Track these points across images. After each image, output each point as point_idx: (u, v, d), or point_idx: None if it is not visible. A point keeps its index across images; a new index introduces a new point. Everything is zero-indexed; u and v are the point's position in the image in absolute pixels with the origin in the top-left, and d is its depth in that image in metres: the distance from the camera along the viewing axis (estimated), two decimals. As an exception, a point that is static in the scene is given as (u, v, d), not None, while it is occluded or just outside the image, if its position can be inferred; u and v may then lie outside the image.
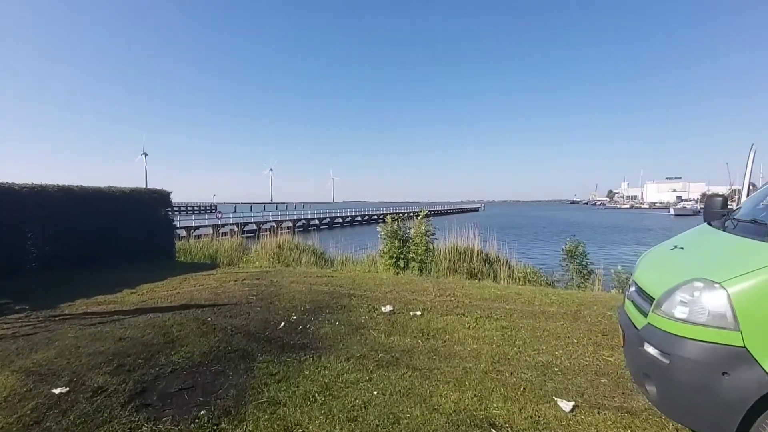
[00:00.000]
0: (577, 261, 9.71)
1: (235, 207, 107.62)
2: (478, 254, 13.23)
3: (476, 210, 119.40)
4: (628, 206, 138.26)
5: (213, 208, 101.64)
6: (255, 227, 33.39)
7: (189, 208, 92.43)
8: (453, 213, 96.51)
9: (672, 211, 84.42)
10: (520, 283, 8.73)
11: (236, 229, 32.01)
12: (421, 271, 8.89)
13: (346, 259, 12.94)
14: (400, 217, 9.79)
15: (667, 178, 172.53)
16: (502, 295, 6.55)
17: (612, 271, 9.28)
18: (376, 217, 59.73)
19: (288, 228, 38.23)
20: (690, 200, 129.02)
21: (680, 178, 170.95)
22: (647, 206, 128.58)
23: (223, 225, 32.21)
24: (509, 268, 12.30)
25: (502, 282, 8.42)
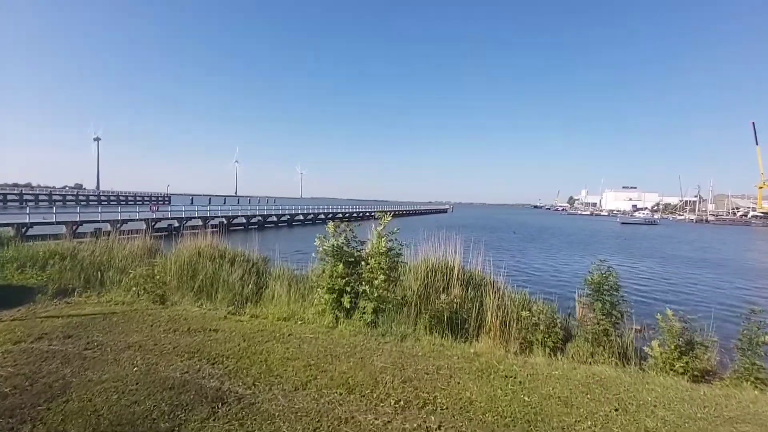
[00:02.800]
0: (606, 298, 6.61)
1: (192, 199, 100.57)
2: (459, 275, 9.96)
3: (445, 211, 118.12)
4: (588, 213, 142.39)
5: (165, 199, 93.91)
6: (178, 224, 28.68)
7: (129, 199, 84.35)
8: (422, 214, 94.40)
9: (618, 220, 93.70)
10: (535, 346, 5.51)
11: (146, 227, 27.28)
12: (377, 316, 5.40)
13: (277, 276, 9.37)
14: (349, 224, 6.27)
15: (623, 187, 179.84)
16: (535, 408, 3.20)
17: (657, 316, 6.21)
18: (341, 215, 55.89)
19: (214, 227, 33.88)
20: (644, 209, 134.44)
21: (636, 187, 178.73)
22: (606, 213, 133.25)
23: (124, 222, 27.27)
24: (501, 297, 9.13)
25: (510, 349, 5.14)
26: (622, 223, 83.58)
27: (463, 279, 9.94)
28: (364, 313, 5.41)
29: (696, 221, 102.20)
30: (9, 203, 59.49)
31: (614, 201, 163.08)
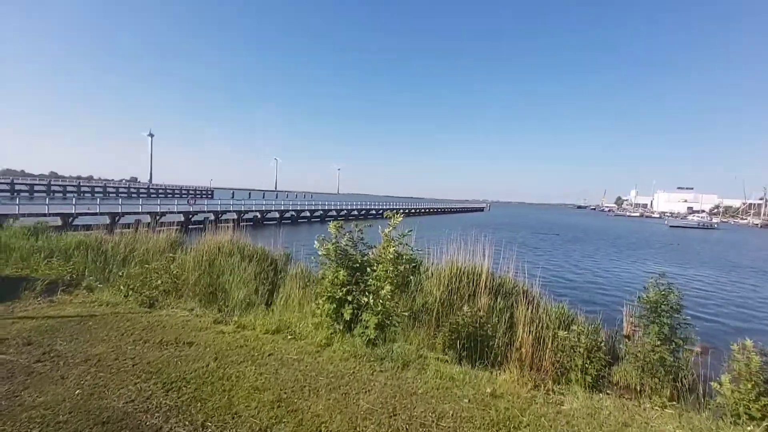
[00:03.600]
0: (665, 320, 5.44)
1: (233, 193, 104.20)
2: (486, 281, 9.01)
3: (481, 210, 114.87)
4: (637, 214, 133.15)
5: (208, 193, 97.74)
6: (214, 217, 29.11)
7: (176, 192, 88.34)
8: (457, 212, 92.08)
9: (667, 222, 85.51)
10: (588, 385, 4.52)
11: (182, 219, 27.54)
12: (381, 332, 4.57)
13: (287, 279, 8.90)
14: (358, 223, 5.48)
15: (678, 188, 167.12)
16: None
17: (732, 346, 4.98)
18: (374, 211, 55.45)
19: (248, 221, 34.10)
20: (701, 212, 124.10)
21: (692, 188, 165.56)
22: (658, 215, 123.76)
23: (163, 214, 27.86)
24: (535, 309, 8.14)
25: (542, 384, 4.19)
26: (671, 226, 76.12)
27: (492, 286, 8.98)
28: (366, 328, 4.63)
29: (761, 226, 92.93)
30: (67, 194, 64.00)
31: (667, 203, 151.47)
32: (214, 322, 4.63)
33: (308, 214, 44.21)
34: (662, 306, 5.41)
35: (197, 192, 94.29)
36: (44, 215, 22.13)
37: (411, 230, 5.18)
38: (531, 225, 59.71)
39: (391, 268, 4.85)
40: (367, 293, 4.83)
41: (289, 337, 4.31)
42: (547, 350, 7.57)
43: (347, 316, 4.79)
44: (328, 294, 4.97)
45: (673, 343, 5.35)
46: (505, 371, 5.18)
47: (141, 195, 76.91)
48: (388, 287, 4.77)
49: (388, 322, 4.72)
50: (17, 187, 61.50)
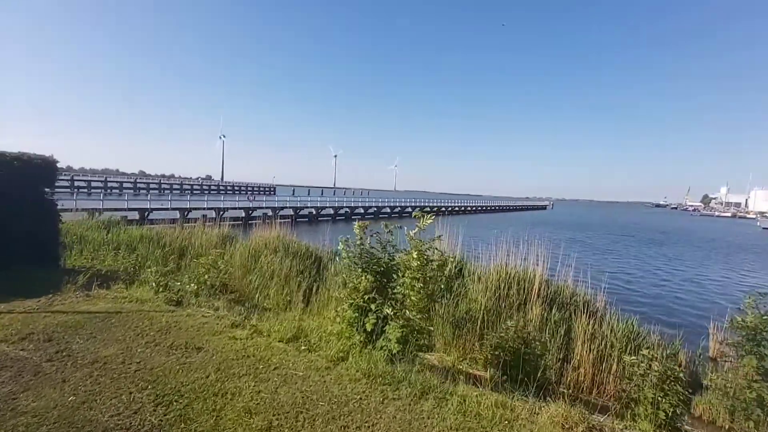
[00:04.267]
0: (766, 352, 4.30)
1: (294, 190, 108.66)
2: (540, 289, 8.10)
3: (543, 208, 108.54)
4: (729, 214, 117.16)
5: (271, 189, 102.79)
6: (272, 213, 30.06)
7: (243, 189, 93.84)
8: (515, 210, 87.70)
9: (759, 223, 72.22)
10: None
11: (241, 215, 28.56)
12: (404, 345, 4.01)
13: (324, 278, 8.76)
14: (387, 223, 4.95)
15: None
16: None
17: None
18: (428, 209, 54.55)
19: (303, 217, 34.77)
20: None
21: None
22: (753, 216, 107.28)
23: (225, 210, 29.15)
24: (599, 323, 7.20)
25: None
26: (764, 228, 64.69)
27: (547, 294, 8.05)
28: (389, 341, 4.12)
29: None
30: (150, 191, 70.79)
31: (765, 201, 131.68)
32: (232, 326, 4.41)
33: (362, 210, 44.50)
34: (764, 333, 4.28)
35: (261, 189, 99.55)
36: (124, 210, 24.40)
37: (441, 235, 4.57)
38: (599, 225, 55.17)
39: (418, 276, 4.29)
40: (391, 302, 4.32)
41: (303, 347, 3.94)
42: (611, 374, 6.56)
43: (369, 327, 4.33)
44: (351, 300, 4.54)
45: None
46: (553, 400, 4.40)
47: (212, 191, 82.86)
48: (413, 297, 4.22)
49: (413, 337, 4.17)
50: (109, 184, 69.20)
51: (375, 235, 5.09)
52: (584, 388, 6.64)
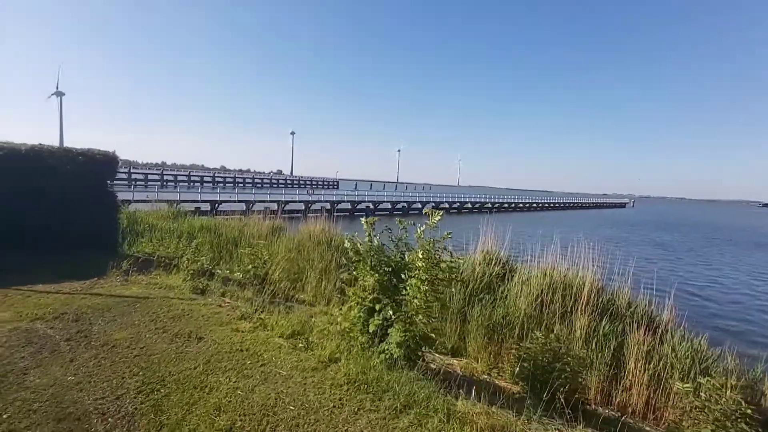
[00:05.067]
0: None
1: (356, 185, 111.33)
2: (589, 297, 7.32)
3: (623, 206, 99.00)
4: None
5: (334, 184, 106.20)
6: (330, 207, 30.76)
7: (307, 183, 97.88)
8: (590, 208, 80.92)
9: None
10: None
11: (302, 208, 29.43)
12: (403, 353, 3.70)
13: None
14: (402, 219, 4.65)
15: None
16: None
17: None
18: (489, 204, 52.53)
19: (360, 212, 35.06)
20: None
21: None
22: None
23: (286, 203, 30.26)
24: (660, 339, 6.40)
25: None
26: None
27: (598, 303, 7.22)
28: (390, 344, 3.87)
29: None
30: (227, 184, 76.92)
31: None
32: (241, 318, 4.46)
33: (420, 205, 44.09)
34: None
35: (325, 183, 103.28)
36: (198, 201, 26.69)
37: (450, 232, 4.17)
38: (686, 225, 49.09)
39: (424, 277, 3.96)
40: (396, 304, 4.05)
41: (301, 345, 3.84)
42: (670, 398, 5.71)
43: (372, 328, 4.11)
44: (358, 300, 4.36)
45: None
46: (589, 424, 3.88)
47: (280, 185, 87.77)
48: (417, 300, 3.91)
49: (415, 343, 3.86)
50: (193, 178, 76.33)
51: (386, 230, 4.85)
52: (637, 412, 5.83)
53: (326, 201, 34.53)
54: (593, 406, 5.84)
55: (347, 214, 35.63)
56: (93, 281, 5.52)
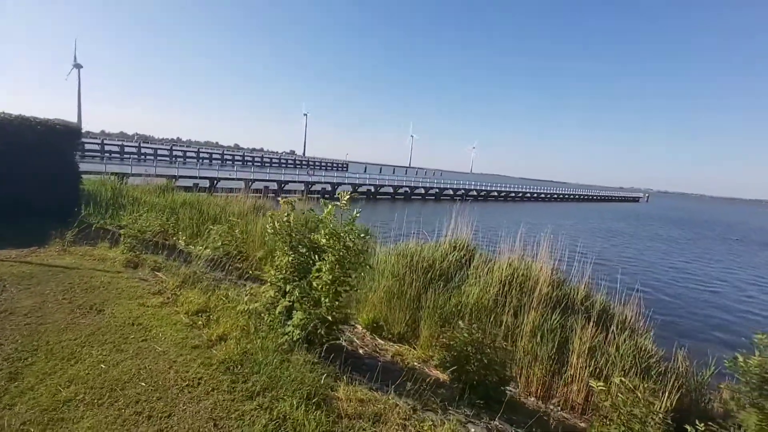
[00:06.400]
0: None
1: (365, 168, 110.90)
2: (544, 291, 7.27)
3: (636, 200, 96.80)
4: None
5: (343, 166, 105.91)
6: (331, 188, 30.65)
7: (317, 164, 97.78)
8: (600, 200, 79.29)
9: None
10: None
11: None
12: (309, 334, 3.60)
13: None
14: (327, 201, 4.49)
15: None
16: None
17: None
18: (495, 193, 51.86)
19: (362, 194, 34.78)
20: None
21: None
22: None
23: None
24: (618, 336, 6.34)
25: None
26: None
27: (552, 297, 7.08)
28: (294, 326, 3.79)
29: None
30: (235, 162, 77.31)
31: None
32: (156, 293, 4.43)
33: (422, 191, 43.76)
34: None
35: (334, 165, 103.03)
36: (196, 178, 26.87)
37: (359, 211, 4.03)
38: (691, 221, 47.86)
39: (331, 258, 3.84)
40: (309, 285, 3.94)
41: (200, 322, 3.79)
42: (610, 395, 5.56)
43: (279, 309, 4.04)
44: (275, 282, 4.28)
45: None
46: (506, 420, 3.81)
47: (288, 165, 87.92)
48: (320, 281, 3.79)
49: (320, 327, 3.77)
50: (202, 155, 76.91)
51: (309, 211, 4.74)
52: (577, 407, 5.75)
53: (327, 182, 34.46)
54: (535, 399, 5.75)
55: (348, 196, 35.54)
56: (31, 250, 5.55)
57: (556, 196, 68.43)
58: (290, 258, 4.22)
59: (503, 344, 5.02)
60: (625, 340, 5.86)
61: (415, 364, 5.54)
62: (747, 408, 3.20)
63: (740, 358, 3.17)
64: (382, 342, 6.17)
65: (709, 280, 16.53)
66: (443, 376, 5.02)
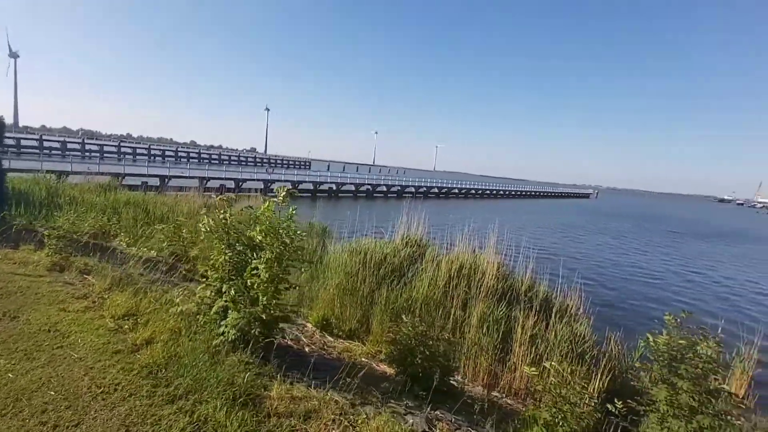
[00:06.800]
0: (685, 384, 3.35)
1: (329, 165, 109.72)
2: (491, 283, 7.58)
3: (586, 196, 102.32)
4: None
5: (306, 164, 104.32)
6: (291, 186, 30.17)
7: (278, 162, 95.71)
8: (554, 197, 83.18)
9: None
10: None
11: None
12: (243, 333, 3.48)
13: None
14: (267, 197, 4.38)
15: None
16: None
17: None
18: (456, 190, 52.98)
19: (323, 192, 34.62)
20: None
21: None
22: None
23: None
24: (546, 324, 6.64)
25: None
26: None
27: (498, 289, 7.32)
28: (230, 327, 3.67)
29: None
30: (190, 160, 73.85)
31: None
32: (81, 297, 4.15)
33: (384, 188, 43.93)
34: (687, 359, 3.40)
35: (297, 163, 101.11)
36: (145, 176, 25.46)
37: (296, 207, 3.98)
38: (629, 215, 51.39)
39: (268, 255, 3.76)
40: (238, 284, 3.83)
41: (126, 326, 3.59)
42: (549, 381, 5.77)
43: (215, 309, 3.91)
44: (211, 281, 4.13)
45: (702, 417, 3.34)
46: (450, 410, 3.86)
47: (249, 163, 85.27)
48: (257, 279, 3.70)
49: (255, 327, 3.68)
50: (153, 152, 72.92)
51: (247, 208, 4.62)
52: (520, 393, 6.00)
53: (287, 181, 33.77)
54: (482, 388, 5.93)
55: (309, 195, 35.11)
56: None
57: (514, 192, 71.04)
58: (227, 256, 4.10)
59: (447, 336, 5.15)
60: (563, 328, 6.17)
61: (363, 359, 5.57)
62: (659, 384, 3.47)
63: (650, 338, 3.43)
64: (332, 339, 6.14)
65: (647, 270, 17.79)
66: (390, 370, 5.07)
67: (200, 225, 4.27)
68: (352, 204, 34.48)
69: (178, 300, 4.01)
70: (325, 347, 5.70)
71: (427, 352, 4.46)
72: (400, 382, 4.55)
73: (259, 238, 3.80)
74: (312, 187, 35.81)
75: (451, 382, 5.00)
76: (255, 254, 4.15)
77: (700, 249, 26.67)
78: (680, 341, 3.27)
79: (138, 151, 68.56)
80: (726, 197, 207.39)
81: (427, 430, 3.57)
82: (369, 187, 41.89)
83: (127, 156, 61.05)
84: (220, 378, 2.81)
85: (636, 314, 11.25)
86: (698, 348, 3.32)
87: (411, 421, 3.66)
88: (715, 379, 3.36)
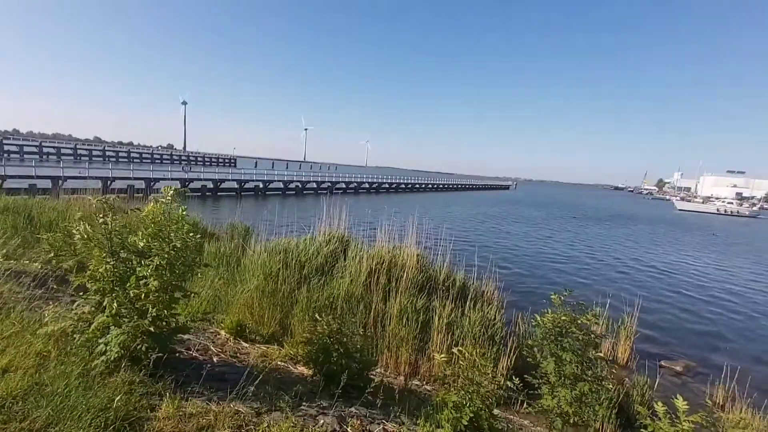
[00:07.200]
0: (568, 355, 3.72)
1: (256, 163, 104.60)
2: (411, 275, 7.77)
3: (506, 188, 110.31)
4: (678, 198, 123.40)
5: (230, 161, 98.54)
6: (212, 186, 28.26)
7: (198, 159, 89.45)
8: (478, 189, 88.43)
9: (676, 204, 79.49)
10: None
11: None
12: (126, 350, 3.12)
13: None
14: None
15: (728, 172, 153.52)
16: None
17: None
18: (387, 185, 53.73)
19: (249, 191, 33.23)
20: (751, 198, 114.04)
21: (744, 172, 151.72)
22: (700, 200, 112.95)
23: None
24: (472, 309, 6.93)
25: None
26: (680, 209, 70.70)
27: (419, 280, 7.47)
28: (109, 343, 3.27)
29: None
30: (93, 158, 65.88)
31: (713, 187, 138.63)
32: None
33: (315, 185, 43.12)
34: (569, 334, 3.75)
35: (220, 160, 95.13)
36: (33, 177, 22.10)
37: (186, 208, 3.69)
38: (546, 204, 56.65)
39: (156, 261, 3.42)
40: (120, 296, 3.44)
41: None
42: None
43: (95, 326, 3.47)
44: (87, 295, 3.65)
45: (584, 403, 3.67)
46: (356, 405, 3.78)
47: (164, 161, 78.34)
48: (153, 283, 3.35)
49: (143, 342, 3.33)
50: (46, 150, 63.72)
51: (136, 210, 4.19)
52: (438, 380, 6.18)
53: (207, 179, 31.55)
54: (404, 378, 6.03)
55: (233, 194, 33.24)
56: None
57: (442, 186, 74.09)
58: (110, 265, 3.65)
59: (361, 331, 5.16)
60: (476, 313, 6.52)
61: (280, 363, 5.37)
62: (548, 358, 3.81)
63: (538, 317, 3.75)
64: (247, 345, 5.84)
65: (553, 254, 19.65)
66: (308, 372, 4.95)
67: (74, 231, 3.75)
68: (281, 202, 33.34)
69: (47, 319, 3.48)
70: (238, 354, 5.40)
71: (342, 350, 4.42)
72: (317, 382, 4.47)
73: (141, 243, 3.43)
74: (237, 186, 33.90)
75: (370, 376, 5.01)
76: (142, 262, 3.76)
77: (598, 232, 30.07)
78: (563, 317, 3.60)
79: (26, 149, 59.38)
80: (620, 185, 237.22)
81: (337, 429, 3.53)
82: (299, 184, 40.75)
83: (12, 155, 52.62)
84: (91, 404, 2.48)
85: (542, 295, 12.33)
86: (579, 321, 3.68)
87: (322, 421, 3.59)
88: (594, 348, 3.75)
